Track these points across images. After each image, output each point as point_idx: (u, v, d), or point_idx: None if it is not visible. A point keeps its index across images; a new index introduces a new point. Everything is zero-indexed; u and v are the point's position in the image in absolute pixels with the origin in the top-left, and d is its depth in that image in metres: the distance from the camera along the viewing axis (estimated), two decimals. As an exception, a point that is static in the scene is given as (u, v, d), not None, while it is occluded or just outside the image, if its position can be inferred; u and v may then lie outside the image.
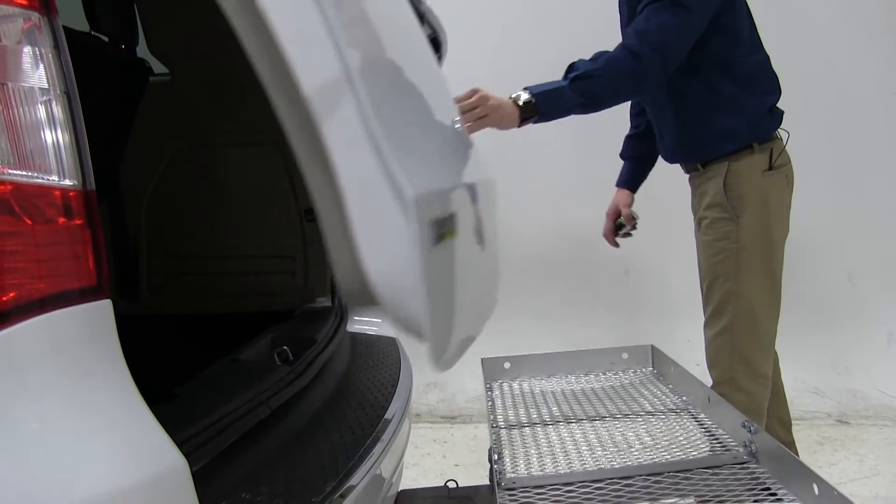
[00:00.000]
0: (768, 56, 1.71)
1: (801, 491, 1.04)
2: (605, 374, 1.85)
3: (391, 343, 1.59)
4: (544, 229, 2.87)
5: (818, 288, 2.90)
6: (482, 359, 1.88)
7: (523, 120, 1.50)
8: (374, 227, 0.53)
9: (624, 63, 1.50)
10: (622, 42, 1.54)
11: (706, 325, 1.74)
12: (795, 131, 2.74)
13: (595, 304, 2.85)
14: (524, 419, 1.54)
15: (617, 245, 2.04)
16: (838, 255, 2.91)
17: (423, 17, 1.17)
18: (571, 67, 1.53)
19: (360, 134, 0.55)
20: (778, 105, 1.70)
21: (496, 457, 1.23)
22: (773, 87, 1.69)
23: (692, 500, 1.14)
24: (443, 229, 0.63)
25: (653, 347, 1.87)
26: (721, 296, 1.65)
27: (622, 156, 2.01)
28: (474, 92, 1.44)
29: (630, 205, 1.98)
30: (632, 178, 1.97)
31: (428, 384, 2.79)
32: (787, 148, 1.69)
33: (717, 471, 1.19)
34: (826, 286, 2.91)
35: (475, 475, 2.10)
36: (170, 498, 0.54)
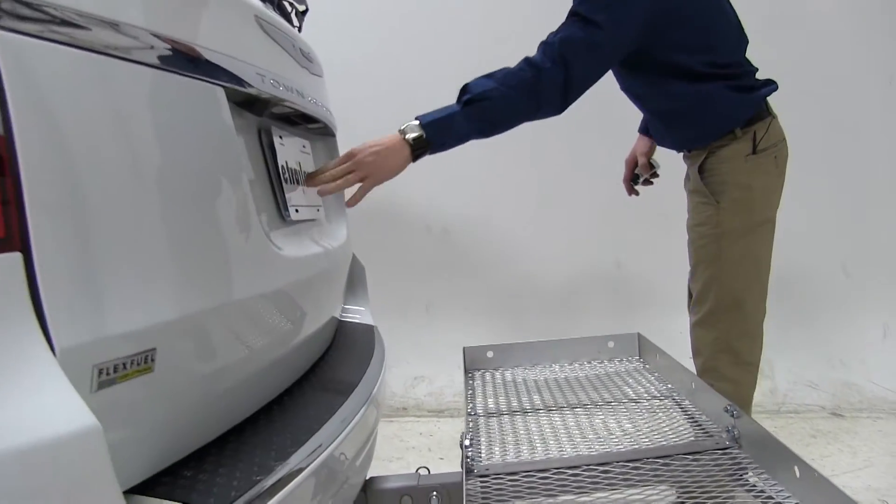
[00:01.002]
0: (738, 41, 1.60)
1: (783, 474, 1.00)
2: (590, 363, 1.81)
3: (368, 330, 1.55)
4: (534, 220, 2.83)
5: (813, 279, 2.87)
6: (464, 347, 1.84)
7: (416, 157, 1.33)
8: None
9: (522, 76, 1.36)
10: (525, 56, 1.40)
11: (689, 312, 1.71)
12: (790, 122, 2.71)
13: (586, 295, 2.80)
14: (504, 408, 1.50)
15: (637, 193, 1.92)
16: (833, 245, 2.87)
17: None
18: (465, 89, 1.36)
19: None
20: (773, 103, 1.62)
21: (468, 443, 1.19)
22: (741, 74, 1.58)
23: (670, 490, 1.09)
24: (120, 372, 0.61)
25: (639, 336, 1.83)
26: (703, 282, 1.62)
27: None
28: (348, 156, 1.26)
29: (649, 153, 1.87)
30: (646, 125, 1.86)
31: (416, 378, 2.75)
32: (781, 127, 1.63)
33: (697, 457, 1.15)
34: (821, 278, 2.87)
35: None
36: (78, 461, 0.50)
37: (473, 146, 2.83)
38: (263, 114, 1.05)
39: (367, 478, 1.24)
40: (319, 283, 1.14)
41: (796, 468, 0.96)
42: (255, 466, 0.76)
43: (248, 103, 0.99)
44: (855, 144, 2.86)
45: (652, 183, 1.93)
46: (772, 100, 1.64)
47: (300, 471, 0.78)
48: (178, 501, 0.66)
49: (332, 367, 1.21)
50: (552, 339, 1.86)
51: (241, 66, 0.89)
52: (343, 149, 1.57)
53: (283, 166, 1.07)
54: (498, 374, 1.78)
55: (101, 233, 0.61)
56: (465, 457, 1.16)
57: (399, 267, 2.77)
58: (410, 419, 2.58)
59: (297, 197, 1.11)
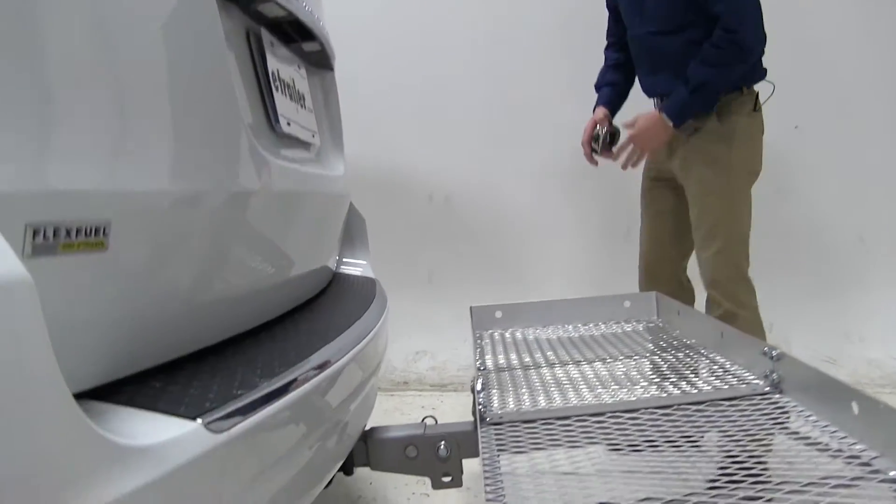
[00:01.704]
0: None
1: (837, 415, 0.89)
2: (605, 323, 1.69)
3: (368, 283, 1.44)
4: (540, 188, 2.71)
5: (830, 252, 2.76)
6: (471, 307, 1.72)
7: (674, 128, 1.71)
8: None
9: (722, 54, 1.61)
10: (722, 26, 1.59)
11: (702, 247, 1.77)
12: (807, 93, 2.60)
13: (595, 266, 2.69)
14: (515, 363, 1.39)
15: (595, 163, 1.95)
16: (850, 218, 2.75)
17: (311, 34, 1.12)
18: (686, 80, 1.66)
19: None
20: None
21: (479, 387, 1.07)
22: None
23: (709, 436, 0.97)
24: (62, 240, 0.49)
25: (657, 295, 1.72)
26: (713, 219, 1.73)
27: (598, 85, 2.02)
28: (630, 140, 1.76)
29: (609, 119, 1.93)
30: (609, 101, 1.95)
31: (417, 352, 2.63)
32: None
33: (734, 402, 1.03)
34: (838, 250, 2.75)
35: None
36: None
37: (477, 112, 2.72)
38: (250, 10, 0.93)
39: (367, 428, 1.13)
40: (310, 204, 1.02)
41: (854, 404, 0.85)
42: (237, 382, 0.64)
43: (233, -7, 0.87)
44: (872, 114, 2.75)
45: (611, 151, 1.88)
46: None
47: (290, 387, 0.66)
48: (141, 408, 0.55)
49: (328, 305, 1.10)
50: (564, 299, 1.75)
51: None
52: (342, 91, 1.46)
53: (273, 73, 0.96)
54: (507, 334, 1.66)
55: (52, 74, 0.50)
56: (476, 402, 1.04)
57: (400, 237, 2.65)
58: (412, 393, 2.47)
59: (288, 110, 0.99)
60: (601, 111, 1.92)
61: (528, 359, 1.41)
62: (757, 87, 1.77)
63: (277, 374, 0.68)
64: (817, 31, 2.68)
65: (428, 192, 2.70)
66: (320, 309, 1.06)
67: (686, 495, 0.75)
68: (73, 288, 0.52)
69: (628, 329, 1.62)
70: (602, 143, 1.83)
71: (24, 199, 0.46)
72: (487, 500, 0.74)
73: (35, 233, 0.47)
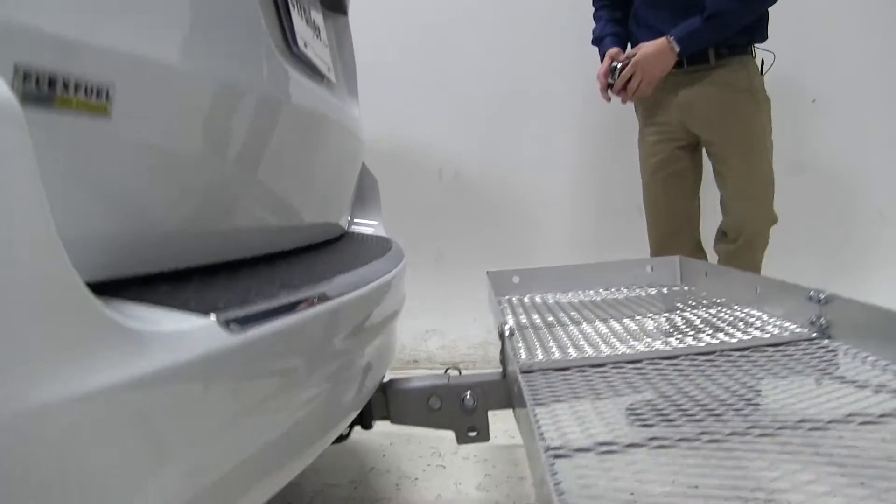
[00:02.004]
0: None
1: (901, 351, 0.82)
2: (627, 288, 1.62)
3: (382, 240, 1.37)
4: (551, 166, 2.64)
5: (848, 227, 2.68)
6: (488, 272, 1.65)
7: (679, 57, 1.71)
8: None
9: None
10: None
11: (736, 196, 1.77)
12: (824, 66, 2.53)
13: (607, 244, 2.61)
14: (539, 323, 1.32)
15: (608, 98, 1.89)
16: (869, 191, 2.68)
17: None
18: (703, 7, 1.66)
19: None
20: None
21: (508, 333, 1.00)
22: None
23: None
24: (59, 93, 0.43)
25: (681, 259, 1.65)
26: (751, 164, 1.75)
27: (598, 38, 1.95)
28: (633, 66, 1.72)
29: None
30: (616, 45, 1.88)
31: (427, 331, 2.56)
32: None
33: (780, 349, 0.97)
34: (857, 225, 2.68)
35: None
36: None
37: (488, 86, 2.65)
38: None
39: (387, 380, 1.06)
40: (327, 132, 0.95)
41: (923, 337, 0.78)
42: (253, 290, 0.57)
43: None
44: (890, 85, 2.67)
45: (624, 91, 1.82)
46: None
47: (311, 301, 0.59)
48: (150, 303, 0.48)
49: (345, 248, 1.03)
50: (584, 264, 1.68)
51: None
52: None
53: (288, -10, 0.89)
54: (527, 300, 1.59)
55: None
56: (505, 348, 0.97)
57: (408, 215, 2.57)
58: (422, 371, 2.39)
59: (305, 34, 0.92)
60: (614, 49, 1.86)
61: (551, 318, 1.34)
62: (757, 56, 1.81)
63: (298, 289, 0.61)
64: (832, 2, 2.61)
65: (437, 167, 2.63)
66: (336, 250, 0.99)
67: (747, 428, 0.68)
68: (71, 153, 0.45)
69: (652, 292, 1.55)
70: (618, 75, 1.76)
71: (14, 34, 0.39)
72: (535, 443, 0.67)
73: (26, 76, 0.40)
